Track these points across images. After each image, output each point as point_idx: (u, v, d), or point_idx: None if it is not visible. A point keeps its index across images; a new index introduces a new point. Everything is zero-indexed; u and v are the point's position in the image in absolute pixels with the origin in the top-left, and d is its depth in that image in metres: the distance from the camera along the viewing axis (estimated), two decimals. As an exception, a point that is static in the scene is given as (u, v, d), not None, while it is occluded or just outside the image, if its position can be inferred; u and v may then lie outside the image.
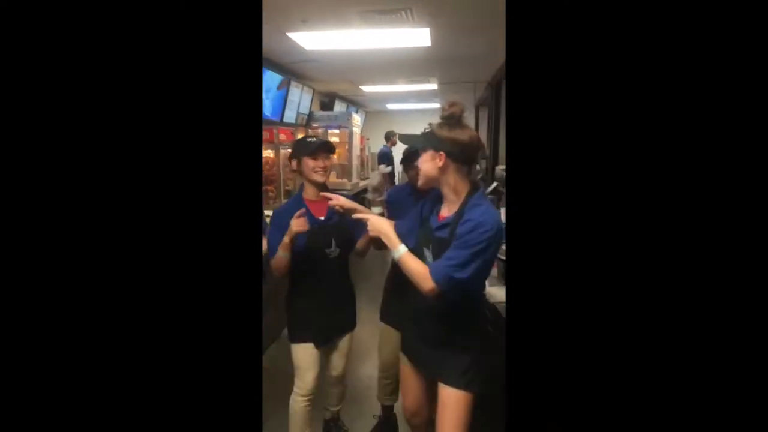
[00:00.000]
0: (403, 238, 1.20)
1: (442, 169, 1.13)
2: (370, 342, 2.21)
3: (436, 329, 1.23)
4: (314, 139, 1.58)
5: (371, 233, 1.22)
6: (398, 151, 1.23)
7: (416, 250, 1.20)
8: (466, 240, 1.07)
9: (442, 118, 1.15)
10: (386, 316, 1.75)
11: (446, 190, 1.16)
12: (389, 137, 6.01)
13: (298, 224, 1.39)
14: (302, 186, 1.60)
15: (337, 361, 1.69)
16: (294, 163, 1.59)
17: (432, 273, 1.08)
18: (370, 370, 2.23)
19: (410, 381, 1.36)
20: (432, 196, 1.27)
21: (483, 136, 6.22)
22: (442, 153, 1.11)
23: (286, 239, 1.42)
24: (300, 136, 4.37)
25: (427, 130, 1.19)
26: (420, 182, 1.20)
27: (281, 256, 1.44)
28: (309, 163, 1.52)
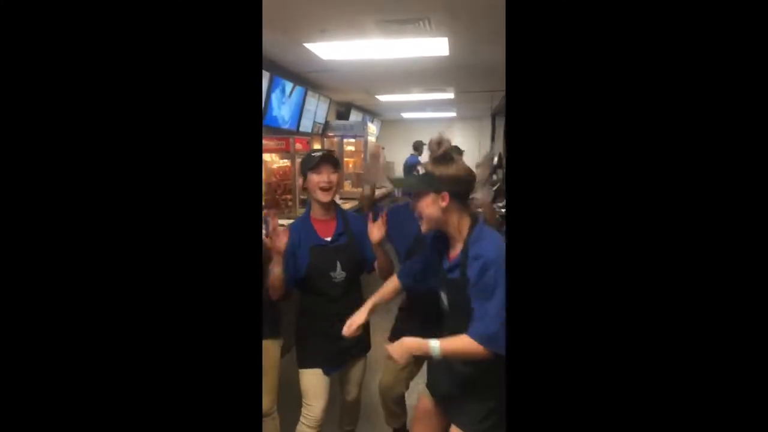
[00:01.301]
0: (417, 277, 1.16)
1: (446, 209, 1.08)
2: (382, 361, 2.16)
3: (458, 366, 1.18)
4: (319, 153, 1.47)
5: (401, 361, 1.12)
6: (425, 159, 1.17)
7: (432, 294, 1.16)
8: (482, 288, 1.03)
9: (437, 158, 1.10)
10: (397, 336, 1.69)
11: (451, 230, 1.12)
12: (418, 147, 5.86)
13: (276, 242, 1.30)
14: (309, 204, 1.50)
15: (351, 388, 1.61)
16: (301, 181, 1.49)
17: (477, 340, 1.03)
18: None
19: (425, 417, 1.29)
20: (435, 236, 1.21)
21: (499, 145, 6.15)
22: (445, 193, 1.07)
23: (277, 256, 1.33)
24: (316, 146, 4.39)
25: (421, 173, 1.13)
26: (425, 228, 1.13)
27: (274, 273, 1.34)
28: (313, 178, 1.41)
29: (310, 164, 1.42)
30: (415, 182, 1.14)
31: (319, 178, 1.40)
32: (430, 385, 1.31)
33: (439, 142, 1.09)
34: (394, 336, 1.69)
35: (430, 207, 1.09)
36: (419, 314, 1.57)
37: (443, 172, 1.07)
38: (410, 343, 1.10)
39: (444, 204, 1.07)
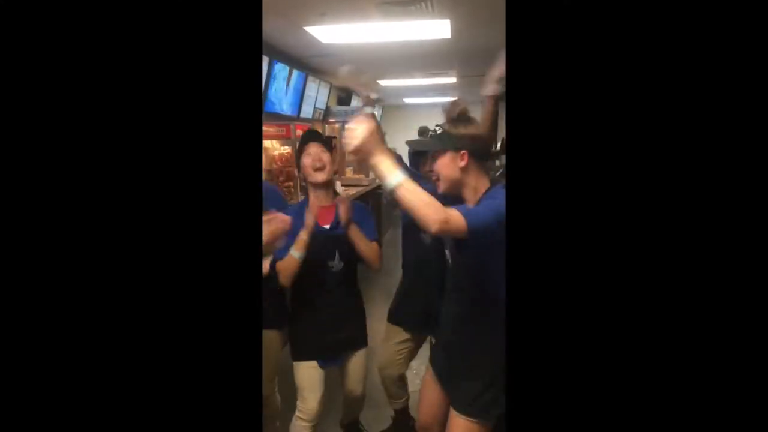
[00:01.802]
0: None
1: (465, 170, 1.06)
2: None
3: (451, 337, 1.17)
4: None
5: (353, 154, 0.88)
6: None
7: (437, 249, 1.11)
8: (488, 205, 0.96)
9: (455, 118, 1.07)
10: (394, 317, 1.67)
11: (467, 193, 1.08)
12: (424, 132, 5.80)
13: (311, 217, 1.25)
14: (307, 193, 1.43)
15: (353, 384, 1.53)
16: (296, 171, 1.49)
17: (463, 211, 0.89)
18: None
19: (429, 392, 1.28)
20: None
21: (501, 129, 6.08)
22: (464, 152, 1.04)
23: (303, 236, 1.26)
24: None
25: (438, 132, 1.10)
26: (441, 188, 1.09)
27: (293, 257, 1.28)
28: (305, 161, 1.34)
29: (300, 147, 1.37)
30: (433, 142, 1.10)
31: (310, 160, 1.34)
32: (432, 362, 1.30)
33: (455, 103, 1.06)
34: (393, 317, 1.68)
35: (449, 167, 1.05)
36: (421, 294, 1.56)
37: (462, 132, 1.04)
38: (372, 140, 0.87)
39: (463, 163, 1.04)
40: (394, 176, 0.87)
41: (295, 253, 1.28)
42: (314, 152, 1.33)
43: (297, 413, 1.47)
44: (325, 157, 1.34)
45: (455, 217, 0.89)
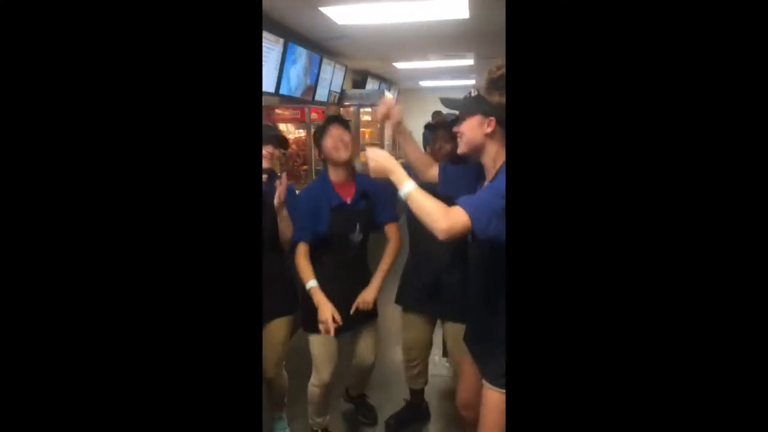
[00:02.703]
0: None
1: (489, 136, 1.04)
2: (394, 326, 2.20)
3: (479, 312, 1.17)
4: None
5: (373, 173, 1.05)
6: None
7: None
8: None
9: (492, 81, 1.03)
10: (403, 298, 1.69)
11: (486, 160, 1.08)
12: (439, 117, 5.72)
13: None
14: (326, 168, 1.52)
15: (365, 353, 1.61)
16: (317, 152, 1.53)
17: (462, 203, 0.95)
18: (397, 355, 2.20)
19: (466, 372, 1.28)
20: (475, 171, 1.16)
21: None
22: (492, 119, 1.02)
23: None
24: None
25: (473, 95, 1.09)
26: (461, 149, 1.10)
27: (283, 215, 1.40)
28: (327, 143, 1.45)
29: (322, 130, 1.46)
30: (466, 102, 1.10)
31: (332, 142, 1.44)
32: (465, 338, 1.31)
33: (500, 67, 1.02)
34: (401, 297, 1.69)
35: (474, 130, 1.06)
36: (429, 271, 1.57)
37: (496, 99, 1.02)
38: (393, 164, 1.03)
39: (489, 129, 1.04)
40: (405, 186, 0.99)
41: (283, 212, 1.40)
42: (336, 133, 1.43)
43: (312, 380, 1.55)
44: (346, 136, 1.45)
45: (459, 220, 0.95)
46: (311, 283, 1.42)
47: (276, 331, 1.50)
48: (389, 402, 1.92)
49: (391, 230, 1.56)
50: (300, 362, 1.70)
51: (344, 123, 1.48)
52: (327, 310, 1.38)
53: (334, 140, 1.43)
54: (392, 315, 1.96)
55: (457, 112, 1.13)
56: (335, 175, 1.49)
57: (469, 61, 4.97)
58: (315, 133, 1.51)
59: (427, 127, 1.68)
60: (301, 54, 3.65)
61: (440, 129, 1.56)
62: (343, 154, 1.44)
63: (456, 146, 1.12)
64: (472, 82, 7.08)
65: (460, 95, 1.13)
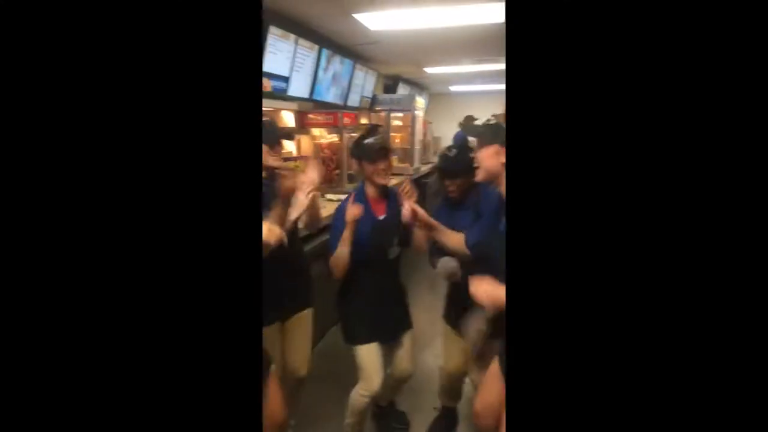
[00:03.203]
0: (482, 239, 1.20)
1: (505, 166, 1.07)
2: (426, 333, 2.19)
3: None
4: (372, 141, 1.48)
5: (489, 308, 1.07)
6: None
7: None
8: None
9: None
10: (452, 312, 1.65)
11: (503, 188, 1.10)
12: (470, 121, 5.68)
13: (352, 212, 1.35)
14: (362, 183, 1.55)
15: (404, 363, 1.61)
16: (354, 164, 1.57)
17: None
18: (429, 361, 2.18)
19: (487, 382, 1.25)
20: (495, 202, 1.20)
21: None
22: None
23: (346, 233, 1.38)
24: (363, 120, 4.36)
25: (491, 122, 1.11)
26: (479, 177, 1.14)
27: (341, 252, 1.39)
28: (368, 167, 1.47)
29: (366, 155, 1.45)
30: (484, 129, 1.13)
31: (374, 168, 1.45)
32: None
33: None
34: (450, 310, 1.66)
35: (491, 159, 1.08)
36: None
37: None
38: (491, 287, 1.03)
39: (503, 160, 1.06)
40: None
41: (342, 249, 1.39)
42: (381, 162, 1.45)
43: (360, 389, 1.54)
44: (387, 164, 1.47)
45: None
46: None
47: (301, 322, 1.52)
48: (419, 410, 1.90)
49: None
50: (324, 367, 1.70)
51: (390, 151, 1.50)
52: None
53: (377, 167, 1.45)
54: (421, 322, 1.95)
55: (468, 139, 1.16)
56: (371, 190, 1.52)
57: (501, 66, 4.91)
58: (356, 146, 1.51)
59: (460, 126, 1.71)
60: (335, 60, 3.71)
61: (438, 174, 1.63)
62: (382, 180, 1.48)
63: (448, 192, 1.21)
64: (502, 86, 6.98)
65: (489, 99, 1.14)
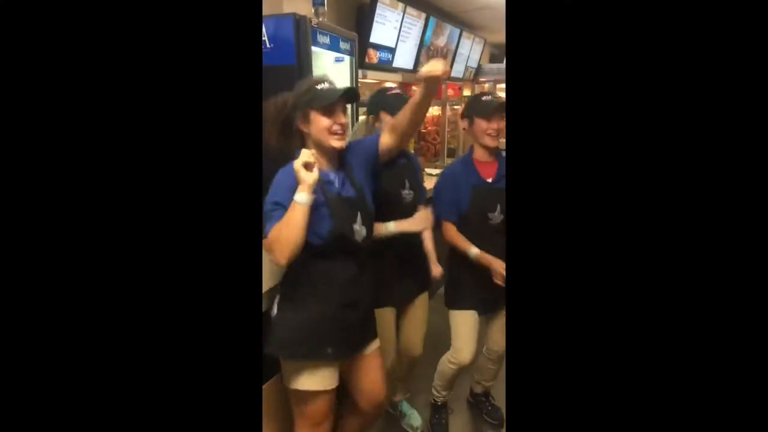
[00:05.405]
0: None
1: None
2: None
3: None
4: (490, 98, 1.44)
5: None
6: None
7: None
8: None
9: None
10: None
11: None
12: None
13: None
14: (472, 147, 1.52)
15: (500, 336, 1.61)
16: (465, 123, 1.51)
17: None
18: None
19: None
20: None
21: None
22: None
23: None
24: (467, 92, 4.20)
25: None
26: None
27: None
28: (482, 124, 1.43)
29: (483, 111, 1.42)
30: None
31: (488, 126, 1.43)
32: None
33: None
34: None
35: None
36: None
37: None
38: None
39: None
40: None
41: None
42: (496, 121, 1.43)
43: (451, 357, 1.55)
44: (503, 125, 1.44)
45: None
46: (474, 251, 1.42)
47: (421, 306, 1.55)
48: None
49: None
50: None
51: (504, 111, 1.44)
52: (500, 267, 1.36)
53: (491, 126, 1.43)
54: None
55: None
56: (480, 154, 1.49)
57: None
58: (472, 103, 1.49)
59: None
60: (442, 28, 3.59)
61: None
62: (494, 143, 1.45)
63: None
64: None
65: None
